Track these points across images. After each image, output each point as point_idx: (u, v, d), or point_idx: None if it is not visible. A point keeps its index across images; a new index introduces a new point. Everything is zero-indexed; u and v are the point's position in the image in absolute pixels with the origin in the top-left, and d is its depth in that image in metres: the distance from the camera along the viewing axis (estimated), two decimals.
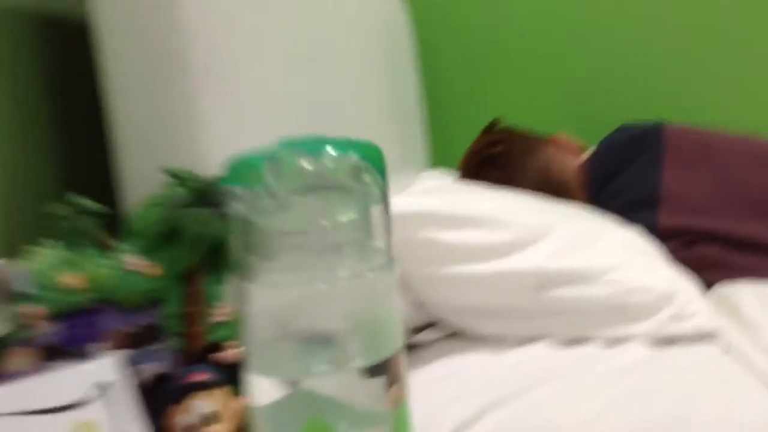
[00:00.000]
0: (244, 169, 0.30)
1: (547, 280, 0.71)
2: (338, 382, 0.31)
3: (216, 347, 0.53)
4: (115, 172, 0.72)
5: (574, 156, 1.13)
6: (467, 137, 1.22)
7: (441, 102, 1.46)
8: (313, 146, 0.30)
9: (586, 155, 1.13)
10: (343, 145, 0.30)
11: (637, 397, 0.59)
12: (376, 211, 0.31)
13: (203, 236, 0.51)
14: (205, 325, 0.52)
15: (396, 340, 0.32)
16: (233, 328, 0.52)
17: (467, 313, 0.74)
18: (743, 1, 1.35)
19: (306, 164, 0.29)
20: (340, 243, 0.29)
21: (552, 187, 1.04)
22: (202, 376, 0.48)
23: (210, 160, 0.62)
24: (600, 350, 0.69)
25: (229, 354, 0.52)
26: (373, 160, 0.31)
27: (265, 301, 0.31)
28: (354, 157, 0.30)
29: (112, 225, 0.56)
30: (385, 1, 1.12)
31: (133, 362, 0.49)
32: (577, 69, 1.42)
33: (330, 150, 0.29)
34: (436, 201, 0.73)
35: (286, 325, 0.31)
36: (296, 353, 0.31)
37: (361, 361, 0.31)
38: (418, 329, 0.80)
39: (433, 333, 0.78)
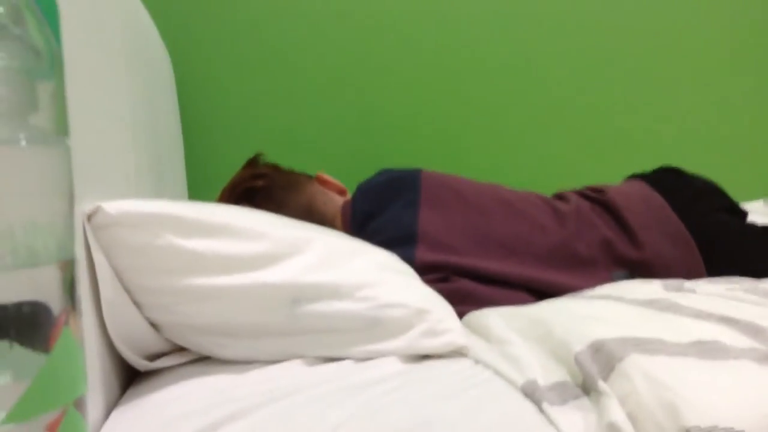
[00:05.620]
0: None
1: (301, 295, 0.66)
2: None
3: None
4: None
5: (337, 194, 1.13)
6: (225, 174, 1.17)
7: (198, 137, 1.39)
8: None
9: (348, 195, 1.13)
10: None
11: (383, 405, 0.55)
12: (42, 82, 0.24)
13: None
14: None
15: (60, 253, 0.24)
16: None
17: (211, 332, 0.65)
18: (510, 58, 1.52)
19: None
20: None
21: (314, 223, 1.02)
22: None
23: None
24: (352, 365, 0.65)
25: None
26: (48, 13, 0.24)
27: None
28: None
29: None
30: (145, 39, 1.04)
31: None
32: (339, 111, 1.45)
33: None
34: (180, 205, 0.65)
35: None
36: None
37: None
38: (157, 355, 0.69)
39: (175, 358, 0.68)
